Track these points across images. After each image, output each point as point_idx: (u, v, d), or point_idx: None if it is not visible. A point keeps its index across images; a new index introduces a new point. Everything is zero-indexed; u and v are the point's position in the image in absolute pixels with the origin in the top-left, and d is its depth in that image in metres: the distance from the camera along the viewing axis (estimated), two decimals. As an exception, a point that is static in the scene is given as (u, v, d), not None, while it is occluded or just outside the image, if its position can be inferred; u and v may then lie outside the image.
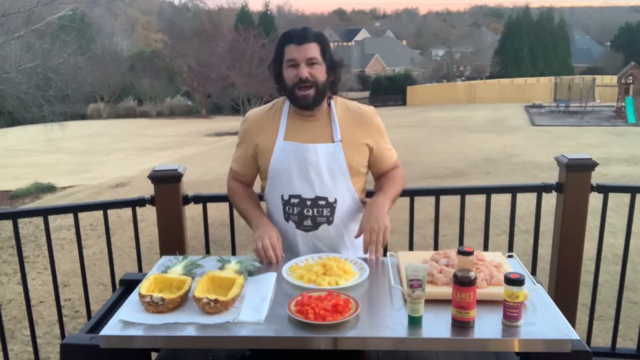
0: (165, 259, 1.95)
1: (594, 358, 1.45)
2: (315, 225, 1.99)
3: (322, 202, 1.97)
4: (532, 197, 2.69)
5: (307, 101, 1.92)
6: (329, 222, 1.99)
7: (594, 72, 34.84)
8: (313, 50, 1.89)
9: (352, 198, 2.02)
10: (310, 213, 1.97)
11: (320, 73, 1.91)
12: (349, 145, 1.97)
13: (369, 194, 2.15)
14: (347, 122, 2.00)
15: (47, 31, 15.03)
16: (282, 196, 2.00)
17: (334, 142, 1.96)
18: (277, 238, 1.93)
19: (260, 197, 2.17)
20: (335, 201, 1.98)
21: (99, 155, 17.91)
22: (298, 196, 1.97)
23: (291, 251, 2.02)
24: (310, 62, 1.89)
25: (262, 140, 2.01)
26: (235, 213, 2.69)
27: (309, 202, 1.97)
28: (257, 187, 2.20)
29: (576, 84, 24.51)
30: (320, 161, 1.95)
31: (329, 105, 2.01)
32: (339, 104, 2.04)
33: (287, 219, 2.01)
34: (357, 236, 1.95)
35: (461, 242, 2.64)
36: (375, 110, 2.09)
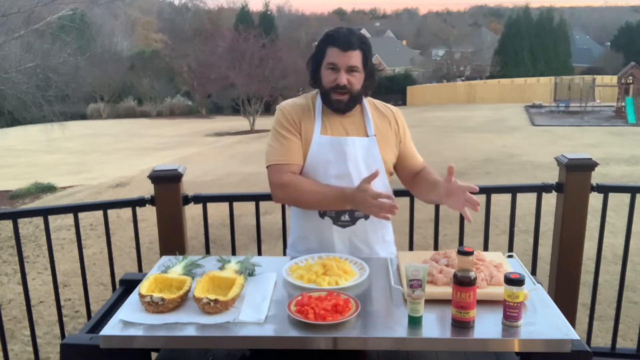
0: (165, 259, 1.95)
1: (594, 358, 1.45)
2: (353, 220, 1.98)
3: None
4: (532, 197, 2.69)
5: (340, 105, 1.93)
6: (366, 217, 1.98)
7: (594, 72, 34.83)
8: (356, 58, 1.88)
9: (387, 192, 2.00)
10: (348, 207, 1.94)
11: (358, 81, 1.91)
12: (382, 140, 1.99)
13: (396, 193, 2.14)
14: (378, 119, 2.03)
15: (47, 31, 15.02)
16: None
17: (368, 136, 1.98)
18: (369, 188, 1.78)
19: None
20: None
21: (99, 155, 17.92)
22: None
23: (327, 249, 1.99)
24: (351, 70, 1.89)
25: (304, 131, 1.97)
26: (236, 213, 2.70)
27: None
28: (265, 187, 2.06)
29: (576, 84, 24.48)
30: (358, 154, 1.95)
31: (361, 102, 2.02)
32: (369, 102, 2.06)
33: (322, 215, 1.97)
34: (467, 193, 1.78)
35: (461, 242, 2.64)
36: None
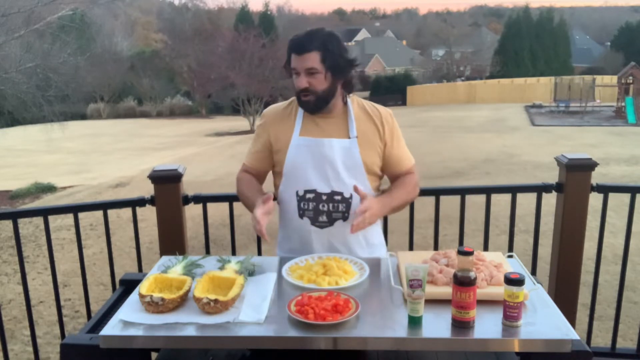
0: (165, 259, 1.95)
1: (594, 358, 1.45)
2: (331, 221, 1.98)
3: (337, 197, 1.96)
4: (532, 197, 2.69)
5: (308, 106, 1.96)
6: (345, 218, 1.98)
7: (594, 72, 34.83)
8: (312, 60, 1.88)
9: (366, 193, 2.01)
10: (325, 208, 1.97)
11: (319, 82, 1.91)
12: (364, 142, 1.98)
13: None
14: (363, 120, 2.01)
15: (47, 31, 15.01)
16: (297, 192, 1.99)
17: (349, 138, 1.98)
18: (259, 212, 1.85)
19: (274, 198, 2.14)
20: (351, 197, 1.97)
21: (99, 155, 17.92)
22: (313, 191, 1.97)
23: (306, 249, 2.00)
24: (310, 72, 1.90)
25: (278, 136, 2.02)
26: (236, 213, 2.70)
27: (324, 197, 1.96)
28: (267, 186, 2.15)
29: (576, 84, 24.49)
30: (335, 156, 1.95)
31: (345, 103, 2.02)
32: (355, 103, 2.05)
33: (301, 215, 2.00)
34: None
35: (461, 242, 2.64)
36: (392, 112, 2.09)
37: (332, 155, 1.95)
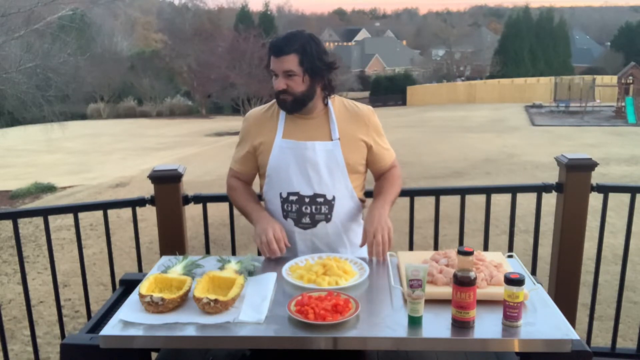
0: (165, 259, 1.96)
1: (594, 358, 1.45)
2: (314, 223, 2.00)
3: (320, 200, 1.98)
4: (532, 197, 2.69)
5: (286, 107, 1.97)
6: (327, 220, 2.00)
7: (594, 72, 34.86)
8: (290, 62, 1.89)
9: (351, 196, 2.03)
10: (308, 210, 1.99)
11: (296, 84, 1.92)
12: (347, 143, 1.99)
13: (368, 194, 2.16)
14: (345, 120, 2.02)
15: (47, 31, 14.98)
16: (280, 194, 2.02)
17: (332, 140, 1.98)
18: (280, 229, 1.96)
19: (260, 197, 2.18)
20: (334, 199, 1.99)
21: (99, 155, 17.91)
22: (296, 193, 1.99)
23: (289, 249, 2.02)
24: (287, 75, 1.91)
25: (261, 139, 2.04)
26: (236, 213, 2.70)
27: (307, 199, 1.98)
28: (255, 187, 2.21)
29: (576, 84, 24.49)
30: (318, 158, 1.96)
31: (326, 104, 2.03)
32: (337, 103, 2.06)
33: (285, 216, 2.03)
34: (363, 244, 1.96)
35: (461, 242, 2.64)
36: (374, 110, 2.10)
37: (314, 158, 1.96)
